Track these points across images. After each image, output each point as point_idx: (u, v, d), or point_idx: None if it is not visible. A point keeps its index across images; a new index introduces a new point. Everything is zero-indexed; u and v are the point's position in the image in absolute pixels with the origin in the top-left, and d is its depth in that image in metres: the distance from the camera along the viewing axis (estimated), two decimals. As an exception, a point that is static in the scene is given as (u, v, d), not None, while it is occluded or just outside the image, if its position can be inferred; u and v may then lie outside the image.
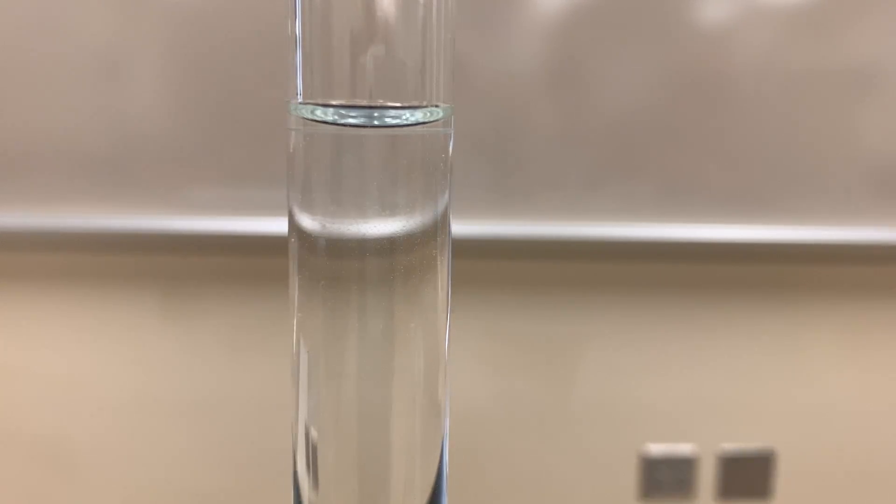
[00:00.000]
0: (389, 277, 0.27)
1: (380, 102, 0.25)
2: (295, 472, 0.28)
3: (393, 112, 0.26)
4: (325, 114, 0.25)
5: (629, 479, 0.97)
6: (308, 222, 0.26)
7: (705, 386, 0.95)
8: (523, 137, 0.86)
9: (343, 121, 0.25)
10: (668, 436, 0.97)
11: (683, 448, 0.97)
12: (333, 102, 0.25)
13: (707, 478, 0.97)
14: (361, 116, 0.25)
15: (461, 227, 0.83)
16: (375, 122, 0.26)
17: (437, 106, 0.26)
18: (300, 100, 0.26)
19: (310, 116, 0.26)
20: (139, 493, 0.95)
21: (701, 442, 0.97)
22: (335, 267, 0.26)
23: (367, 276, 0.26)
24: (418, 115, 0.26)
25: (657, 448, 0.97)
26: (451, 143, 0.28)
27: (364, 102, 0.25)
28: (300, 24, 0.25)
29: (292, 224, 0.27)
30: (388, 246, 0.26)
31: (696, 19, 0.84)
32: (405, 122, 0.26)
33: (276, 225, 0.83)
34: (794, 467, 0.98)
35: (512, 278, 0.92)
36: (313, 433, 0.28)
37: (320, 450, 0.28)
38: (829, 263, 0.93)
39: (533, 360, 0.94)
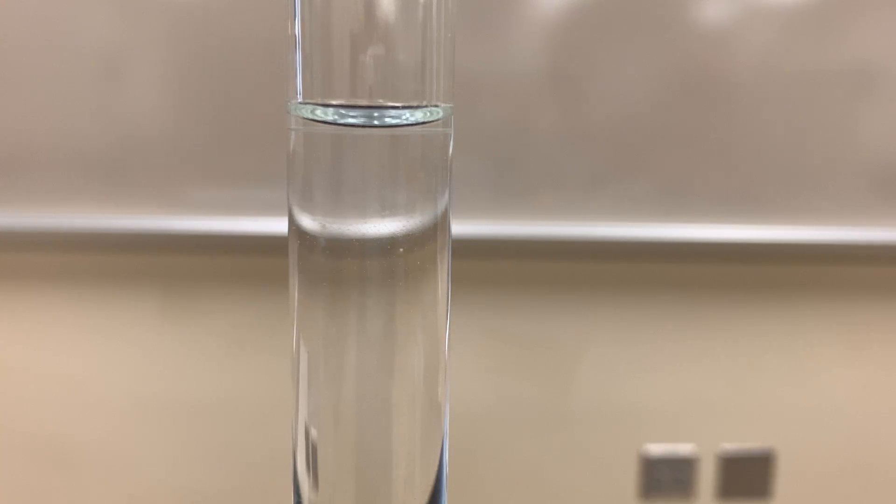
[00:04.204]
0: (389, 277, 0.27)
1: (380, 102, 0.25)
2: (295, 472, 0.28)
3: (393, 112, 0.26)
4: (325, 114, 0.25)
5: (629, 479, 0.97)
6: (308, 222, 0.26)
7: (705, 386, 0.95)
8: (523, 137, 0.86)
9: (343, 121, 0.25)
10: (667, 436, 0.96)
11: (683, 448, 0.97)
12: (333, 102, 0.25)
13: (707, 478, 0.97)
14: (361, 116, 0.25)
15: (461, 227, 0.83)
16: (375, 122, 0.25)
17: (437, 106, 0.26)
18: (300, 100, 0.26)
19: (310, 116, 0.26)
20: (139, 492, 0.95)
21: (701, 442, 0.97)
22: (335, 267, 0.26)
23: (367, 276, 0.26)
24: (418, 115, 0.26)
25: (657, 448, 0.96)
26: (452, 143, 0.28)
27: (364, 102, 0.25)
28: (300, 24, 0.25)
29: (292, 224, 0.27)
30: (388, 246, 0.26)
31: (696, 20, 0.84)
32: (405, 122, 0.26)
33: (276, 225, 0.83)
34: (794, 467, 0.98)
35: (512, 278, 0.92)
36: (313, 433, 0.28)
37: (320, 450, 0.28)
38: (829, 263, 0.93)
39: (533, 359, 0.94)
